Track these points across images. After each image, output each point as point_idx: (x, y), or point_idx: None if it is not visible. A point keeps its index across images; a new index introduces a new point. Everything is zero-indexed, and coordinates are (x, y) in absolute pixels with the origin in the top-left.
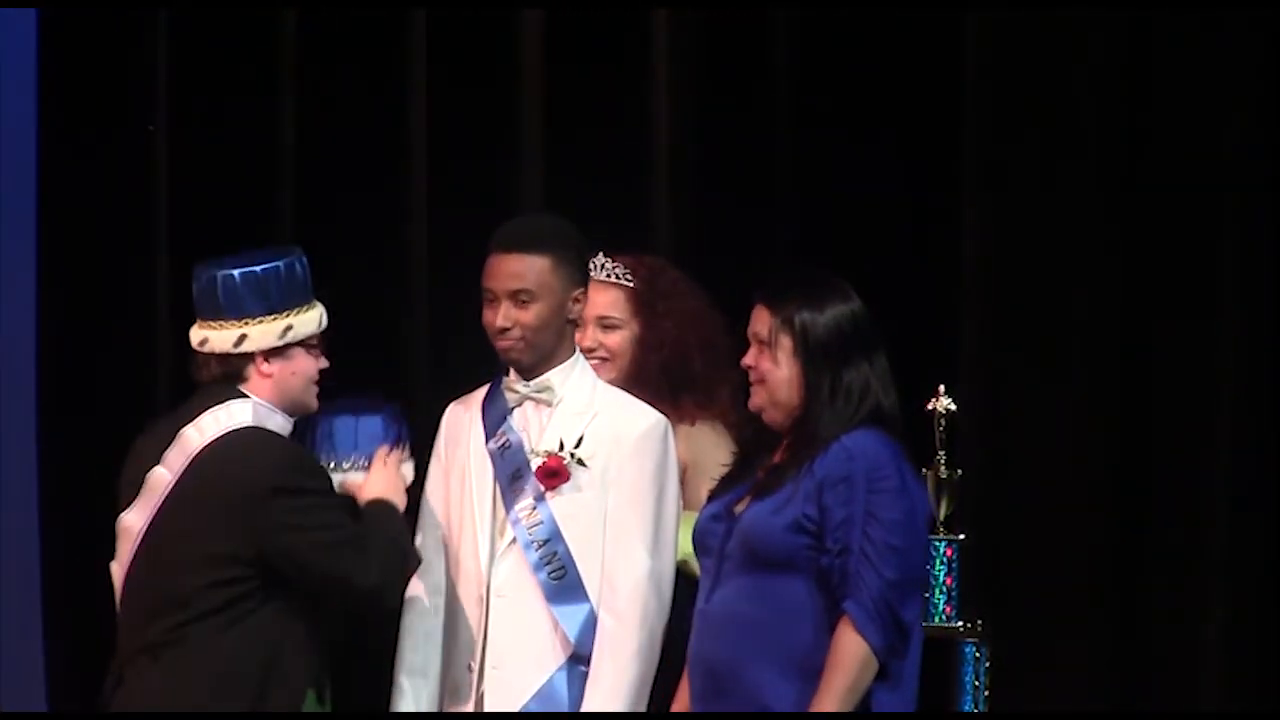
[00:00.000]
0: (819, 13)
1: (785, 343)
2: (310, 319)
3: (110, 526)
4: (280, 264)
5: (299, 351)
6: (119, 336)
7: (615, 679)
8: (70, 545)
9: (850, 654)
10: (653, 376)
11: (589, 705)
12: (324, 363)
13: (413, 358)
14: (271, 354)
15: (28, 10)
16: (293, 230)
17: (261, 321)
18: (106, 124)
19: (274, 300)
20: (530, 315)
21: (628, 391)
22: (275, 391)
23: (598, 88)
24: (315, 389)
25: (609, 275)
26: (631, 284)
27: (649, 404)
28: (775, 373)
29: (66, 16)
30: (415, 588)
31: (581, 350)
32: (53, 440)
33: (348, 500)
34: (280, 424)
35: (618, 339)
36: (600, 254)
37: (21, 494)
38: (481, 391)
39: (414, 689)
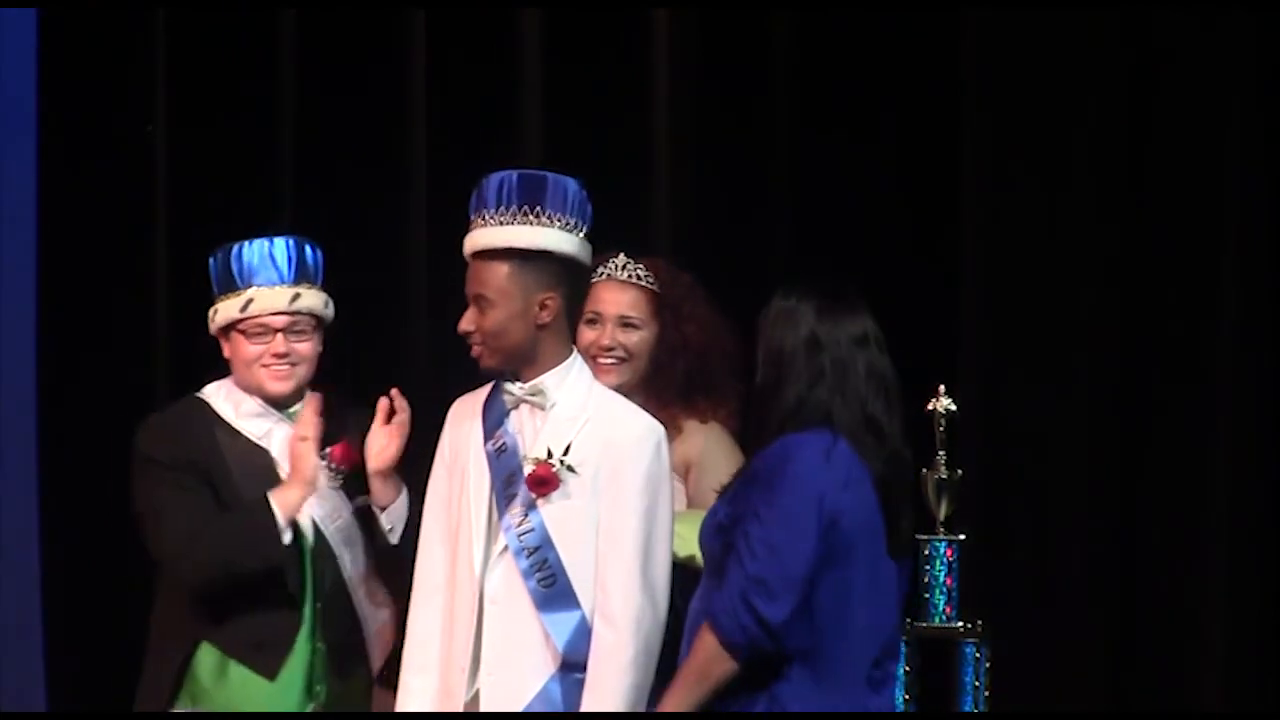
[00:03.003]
0: (819, 13)
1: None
2: (228, 306)
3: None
4: (217, 253)
5: (235, 336)
6: (119, 336)
7: (611, 687)
8: (70, 545)
9: (701, 645)
10: (672, 379)
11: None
12: (274, 346)
13: (413, 358)
14: (219, 338)
15: (27, 10)
16: (291, 231)
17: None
18: (106, 124)
19: (212, 290)
20: (488, 321)
21: (644, 392)
22: (232, 372)
23: (597, 87)
24: (262, 371)
25: (630, 276)
26: (653, 286)
27: (659, 406)
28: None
29: (66, 16)
30: (419, 586)
31: (600, 349)
32: (53, 440)
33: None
34: (223, 403)
35: (637, 339)
36: (621, 255)
37: (22, 494)
38: (486, 389)
39: (422, 687)
